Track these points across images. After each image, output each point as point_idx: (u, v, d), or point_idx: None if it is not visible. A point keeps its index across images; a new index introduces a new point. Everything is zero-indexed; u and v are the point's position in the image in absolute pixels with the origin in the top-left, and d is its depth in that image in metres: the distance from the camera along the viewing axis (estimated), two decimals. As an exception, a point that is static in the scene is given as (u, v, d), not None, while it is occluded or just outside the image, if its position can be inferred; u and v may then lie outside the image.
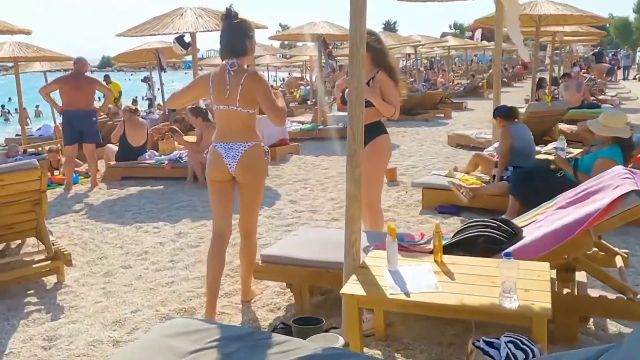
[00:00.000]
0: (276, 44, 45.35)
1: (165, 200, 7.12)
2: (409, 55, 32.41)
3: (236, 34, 3.57)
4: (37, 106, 26.87)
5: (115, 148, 9.01)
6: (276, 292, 3.98)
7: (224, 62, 3.59)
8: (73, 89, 7.96)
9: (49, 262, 4.27)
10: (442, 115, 15.82)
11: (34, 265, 4.24)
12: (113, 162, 8.88)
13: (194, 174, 8.02)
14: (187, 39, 9.06)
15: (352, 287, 2.73)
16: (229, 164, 3.56)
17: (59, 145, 9.91)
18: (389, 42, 16.92)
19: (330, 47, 13.48)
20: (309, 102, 19.06)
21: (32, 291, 4.27)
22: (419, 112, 15.24)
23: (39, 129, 16.10)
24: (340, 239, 3.04)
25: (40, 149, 11.49)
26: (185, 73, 44.58)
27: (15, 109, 25.84)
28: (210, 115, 7.87)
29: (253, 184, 3.64)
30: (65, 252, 4.27)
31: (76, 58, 8.39)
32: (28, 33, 8.43)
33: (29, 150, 11.21)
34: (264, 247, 4.49)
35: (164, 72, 15.45)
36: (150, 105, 21.02)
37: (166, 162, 8.42)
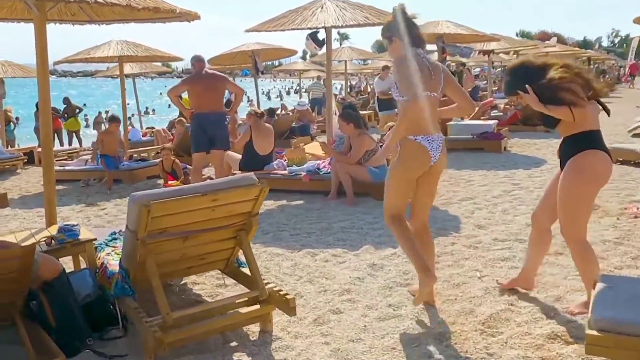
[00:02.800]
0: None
1: (319, 218, 6.08)
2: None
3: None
4: (107, 111, 26.52)
5: (238, 156, 8.08)
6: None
7: (417, 50, 3.52)
8: (205, 89, 7.08)
9: (259, 306, 3.25)
10: (561, 126, 14.34)
11: (242, 311, 3.22)
12: (238, 172, 7.95)
13: (338, 189, 6.98)
14: (322, 35, 8.08)
15: None
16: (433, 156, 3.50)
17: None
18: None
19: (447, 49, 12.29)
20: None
21: (234, 343, 3.26)
22: (536, 122, 13.82)
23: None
24: None
25: (145, 154, 10.79)
26: (241, 80, 43.82)
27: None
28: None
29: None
30: (284, 296, 3.22)
31: (193, 57, 7.49)
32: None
33: (134, 155, 10.51)
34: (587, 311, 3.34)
35: (260, 74, 14.62)
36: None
37: (303, 173, 7.41)
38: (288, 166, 7.99)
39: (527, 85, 3.23)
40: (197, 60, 7.38)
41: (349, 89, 23.42)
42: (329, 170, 7.27)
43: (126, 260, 3.23)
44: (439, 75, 3.57)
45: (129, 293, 3.24)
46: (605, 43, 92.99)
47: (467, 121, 12.41)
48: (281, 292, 3.27)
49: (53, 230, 4.14)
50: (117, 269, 3.48)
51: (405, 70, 3.37)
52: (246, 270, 3.57)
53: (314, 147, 8.56)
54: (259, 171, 7.77)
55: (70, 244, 3.79)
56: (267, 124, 8.24)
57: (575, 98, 3.13)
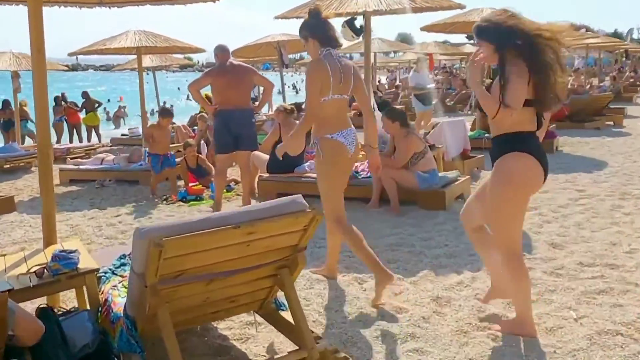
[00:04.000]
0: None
1: (362, 232, 5.26)
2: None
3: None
4: (124, 107, 25.82)
5: (265, 157, 7.29)
6: None
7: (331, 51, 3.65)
8: (230, 83, 6.28)
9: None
10: (612, 122, 13.29)
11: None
12: (266, 174, 7.18)
13: (380, 196, 6.15)
14: (359, 22, 7.24)
15: None
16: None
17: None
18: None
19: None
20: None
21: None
22: (586, 119, 12.79)
23: (131, 129, 14.89)
24: None
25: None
26: (262, 74, 42.24)
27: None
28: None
29: None
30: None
31: (216, 47, 6.68)
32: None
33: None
34: None
35: (286, 67, 13.82)
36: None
37: (340, 177, 6.58)
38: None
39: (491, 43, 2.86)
40: (222, 51, 6.59)
41: (377, 83, 22.46)
42: (369, 175, 6.44)
43: (132, 308, 2.46)
44: (349, 78, 3.68)
45: (136, 350, 2.48)
46: (635, 35, 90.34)
47: (511, 117, 11.46)
48: (338, 356, 2.45)
49: (50, 252, 3.39)
50: (122, 310, 2.71)
51: (315, 71, 3.56)
52: (286, 315, 2.78)
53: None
54: (289, 174, 7.00)
55: (67, 276, 3.02)
56: (297, 121, 7.42)
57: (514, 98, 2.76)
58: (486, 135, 10.04)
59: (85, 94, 17.23)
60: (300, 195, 2.54)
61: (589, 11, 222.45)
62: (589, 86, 20.72)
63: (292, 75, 60.43)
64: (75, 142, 15.12)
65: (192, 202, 6.93)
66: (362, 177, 6.50)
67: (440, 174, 6.26)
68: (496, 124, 2.93)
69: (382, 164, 6.05)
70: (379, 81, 27.54)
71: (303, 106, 17.96)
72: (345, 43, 8.14)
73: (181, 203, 6.97)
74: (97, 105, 17.47)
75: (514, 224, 3.00)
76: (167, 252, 2.02)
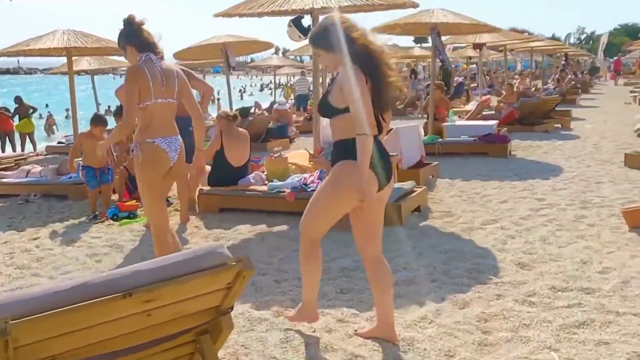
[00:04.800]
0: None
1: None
2: (469, 58, 30.11)
3: None
4: (67, 109, 24.37)
5: (207, 168, 6.67)
6: None
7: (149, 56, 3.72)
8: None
9: None
10: (560, 125, 13.25)
11: None
12: (207, 188, 6.55)
13: (331, 210, 5.64)
14: (307, 22, 6.73)
15: None
16: None
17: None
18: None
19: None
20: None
21: None
22: (535, 122, 12.69)
23: (67, 136, 13.86)
24: None
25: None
26: (214, 77, 40.99)
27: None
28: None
29: None
30: None
31: None
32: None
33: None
34: None
35: (232, 71, 13.16)
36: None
37: (287, 190, 6.03)
38: (267, 180, 6.61)
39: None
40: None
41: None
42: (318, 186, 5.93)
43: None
44: (173, 81, 3.75)
45: None
46: (572, 40, 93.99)
47: (464, 121, 11.20)
48: None
49: None
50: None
51: (133, 77, 3.61)
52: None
53: (298, 156, 7.17)
54: (233, 187, 6.41)
55: None
56: (241, 129, 6.84)
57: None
58: (439, 139, 9.73)
59: (18, 99, 16.08)
60: (222, 245, 1.96)
61: (529, 16, 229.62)
62: (534, 89, 20.94)
63: (239, 78, 59.05)
64: (9, 151, 14.02)
65: (123, 221, 6.22)
66: (311, 190, 5.97)
67: (395, 185, 5.79)
68: (341, 127, 2.88)
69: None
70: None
71: (253, 110, 17.36)
72: (293, 45, 7.58)
73: (111, 222, 6.26)
74: (31, 111, 16.29)
75: (327, 220, 3.03)
76: (19, 339, 1.43)
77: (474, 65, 30.28)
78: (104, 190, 6.89)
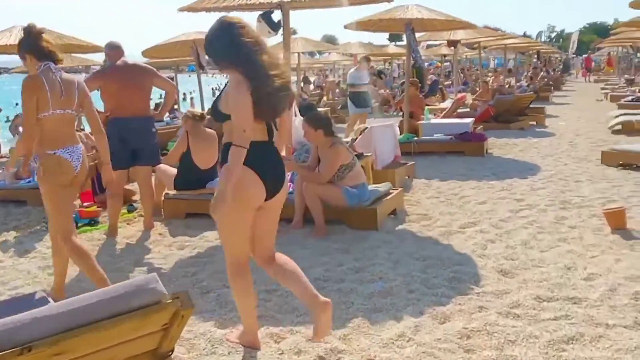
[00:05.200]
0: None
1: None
2: (444, 56, 30.08)
3: None
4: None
5: (172, 171, 6.33)
6: None
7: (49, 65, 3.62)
8: (124, 87, 5.31)
9: None
10: (535, 122, 13.18)
11: None
12: (172, 192, 6.21)
13: (304, 215, 5.36)
14: (277, 17, 6.42)
15: None
16: None
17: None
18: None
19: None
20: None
21: None
22: (510, 119, 12.59)
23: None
24: None
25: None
26: (189, 76, 39.97)
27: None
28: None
29: None
30: None
31: (106, 44, 5.68)
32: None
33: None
34: None
35: (205, 70, 12.78)
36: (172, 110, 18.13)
37: (257, 194, 5.72)
38: (237, 183, 6.30)
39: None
40: (112, 48, 5.60)
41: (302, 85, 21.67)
42: (291, 190, 5.64)
43: None
44: (73, 92, 3.66)
45: None
46: (542, 38, 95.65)
47: (439, 119, 11.02)
48: None
49: None
50: None
51: (30, 87, 3.51)
52: None
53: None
54: (199, 191, 6.08)
55: None
56: (209, 129, 6.50)
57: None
58: (415, 138, 9.53)
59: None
60: (155, 278, 1.66)
61: (500, 14, 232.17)
62: (507, 86, 20.95)
63: (214, 77, 57.88)
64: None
65: (83, 228, 5.84)
66: (283, 194, 5.68)
67: (370, 187, 5.55)
68: (226, 132, 2.79)
69: (305, 178, 5.32)
70: (302, 82, 26.81)
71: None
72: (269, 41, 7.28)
73: (70, 229, 5.86)
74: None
75: (236, 238, 2.87)
76: None
77: (448, 63, 30.32)
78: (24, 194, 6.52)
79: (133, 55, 14.78)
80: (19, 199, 7.22)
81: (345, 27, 10.36)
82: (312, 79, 35.13)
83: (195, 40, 11.67)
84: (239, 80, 2.67)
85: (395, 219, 5.54)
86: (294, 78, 28.43)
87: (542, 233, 4.94)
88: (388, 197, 5.56)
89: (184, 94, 27.39)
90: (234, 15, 3.43)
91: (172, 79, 21.97)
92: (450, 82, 24.42)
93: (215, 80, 54.53)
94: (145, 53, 13.34)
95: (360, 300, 3.63)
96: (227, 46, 2.70)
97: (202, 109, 13.32)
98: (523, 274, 3.99)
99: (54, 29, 8.96)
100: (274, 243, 3.02)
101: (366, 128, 7.10)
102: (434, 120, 10.49)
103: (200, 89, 13.34)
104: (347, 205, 5.18)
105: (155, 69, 5.86)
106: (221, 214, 2.74)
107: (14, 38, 8.15)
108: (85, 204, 6.55)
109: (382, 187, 5.71)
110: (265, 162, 2.77)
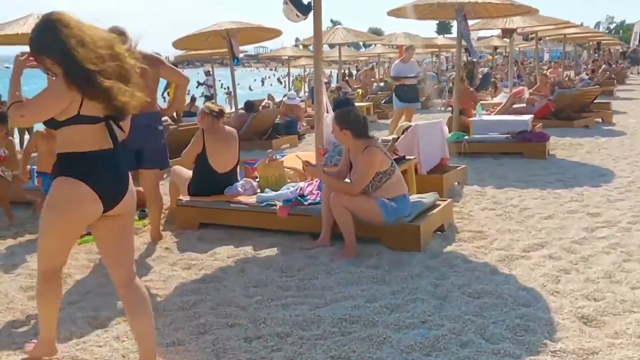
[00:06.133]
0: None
1: (300, 292, 3.59)
2: (495, 48, 28.60)
3: None
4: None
5: (188, 173, 5.59)
6: None
7: None
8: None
9: None
10: (600, 119, 11.89)
11: None
12: (186, 198, 5.45)
13: (332, 231, 4.49)
14: (307, -1, 5.57)
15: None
16: None
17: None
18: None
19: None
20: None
21: None
22: (572, 116, 11.36)
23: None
24: None
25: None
26: (236, 70, 39.16)
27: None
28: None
29: None
30: None
31: (110, 28, 4.87)
32: None
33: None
34: None
35: (237, 61, 12.05)
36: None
37: (279, 203, 4.88)
38: (260, 188, 5.50)
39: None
40: (117, 35, 4.85)
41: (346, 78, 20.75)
42: (318, 199, 4.79)
43: None
44: None
45: None
46: (601, 28, 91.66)
47: (493, 116, 9.93)
48: None
49: None
50: None
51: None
52: None
53: (295, 160, 6.01)
54: (215, 197, 5.30)
55: None
56: (228, 127, 5.71)
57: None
58: (465, 137, 8.52)
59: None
60: None
61: (555, 5, 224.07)
62: (567, 79, 19.46)
63: (257, 70, 57.16)
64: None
65: (84, 238, 5.10)
66: (309, 203, 4.83)
67: (412, 198, 4.64)
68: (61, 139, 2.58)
69: (333, 187, 4.44)
70: (348, 75, 25.82)
71: (265, 102, 16.20)
72: (289, 24, 6.41)
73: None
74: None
75: (54, 249, 2.69)
76: None
77: (498, 56, 28.83)
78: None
79: (164, 49, 14.16)
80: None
81: (388, 13, 9.41)
82: (354, 72, 34.16)
83: (228, 30, 11.02)
84: (58, 81, 2.47)
85: (442, 237, 4.61)
86: (334, 71, 27.39)
87: (630, 261, 3.93)
88: (434, 211, 4.63)
89: (227, 87, 26.70)
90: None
91: (208, 73, 21.38)
92: (504, 75, 23.06)
93: (260, 73, 54.12)
94: (175, 44, 12.70)
95: (394, 356, 2.75)
96: (50, 42, 2.47)
97: (236, 104, 12.69)
98: (612, 322, 3.02)
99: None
100: (133, 262, 2.72)
101: (409, 126, 6.17)
102: (487, 117, 9.42)
103: (234, 83, 12.66)
104: (384, 221, 4.28)
105: (162, 58, 5.11)
106: (47, 220, 2.57)
107: (28, 27, 7.60)
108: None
109: (427, 197, 4.78)
110: (104, 171, 2.55)
